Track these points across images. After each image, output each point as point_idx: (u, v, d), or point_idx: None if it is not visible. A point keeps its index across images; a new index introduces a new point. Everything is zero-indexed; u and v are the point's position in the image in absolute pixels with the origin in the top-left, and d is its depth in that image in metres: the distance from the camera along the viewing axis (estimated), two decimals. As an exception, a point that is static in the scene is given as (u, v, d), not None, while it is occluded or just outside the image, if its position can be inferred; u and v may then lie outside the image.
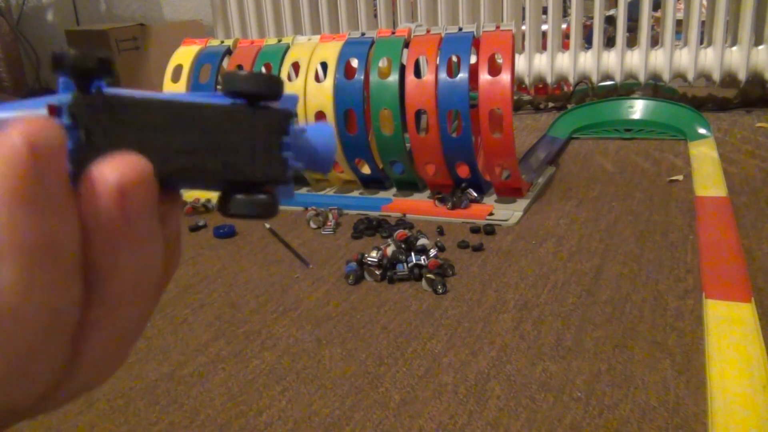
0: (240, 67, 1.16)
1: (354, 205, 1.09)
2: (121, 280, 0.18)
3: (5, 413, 0.18)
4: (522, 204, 1.03)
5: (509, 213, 1.00)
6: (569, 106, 1.71)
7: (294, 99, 0.22)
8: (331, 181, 1.20)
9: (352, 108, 1.06)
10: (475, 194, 1.05)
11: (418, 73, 1.02)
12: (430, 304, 0.74)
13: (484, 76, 0.97)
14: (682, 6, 1.65)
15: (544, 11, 1.75)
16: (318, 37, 1.15)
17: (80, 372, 0.19)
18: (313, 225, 1.03)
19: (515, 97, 1.88)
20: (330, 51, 1.09)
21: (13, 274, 0.16)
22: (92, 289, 0.18)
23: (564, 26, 1.75)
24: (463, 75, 0.99)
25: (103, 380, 0.20)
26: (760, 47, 1.57)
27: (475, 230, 0.96)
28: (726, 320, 0.65)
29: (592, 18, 1.66)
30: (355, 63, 1.09)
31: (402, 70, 1.04)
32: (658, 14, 1.70)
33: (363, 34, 1.12)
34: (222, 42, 1.23)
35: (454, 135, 1.01)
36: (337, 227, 1.01)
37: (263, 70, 1.15)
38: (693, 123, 1.41)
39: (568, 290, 0.75)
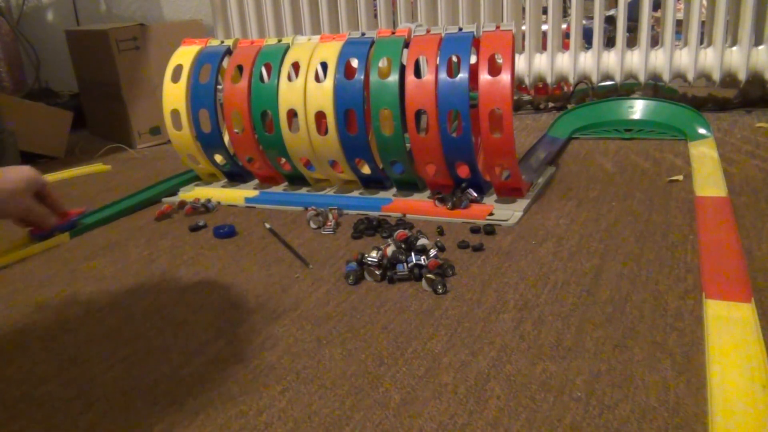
0: (239, 67, 1.16)
1: (354, 205, 1.09)
2: None
3: None
4: (522, 204, 1.03)
5: (509, 213, 1.00)
6: (569, 106, 1.71)
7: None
8: (331, 181, 1.20)
9: (352, 108, 1.06)
10: (475, 194, 1.05)
11: (418, 73, 1.02)
12: (430, 304, 0.74)
13: (484, 76, 0.97)
14: (682, 6, 1.65)
15: (544, 11, 1.75)
16: (318, 37, 1.16)
17: None
18: (313, 225, 1.03)
19: (515, 97, 1.88)
20: (330, 51, 1.09)
21: None
22: None
23: (564, 26, 1.75)
24: (463, 75, 0.99)
25: None
26: (760, 47, 1.57)
27: (475, 230, 0.96)
28: (726, 320, 0.65)
29: (591, 18, 1.66)
30: (355, 63, 1.09)
31: (402, 70, 1.04)
32: (658, 14, 1.70)
33: (363, 34, 1.12)
34: (222, 42, 1.23)
35: (454, 135, 1.01)
36: (337, 227, 1.01)
37: (263, 70, 1.15)
38: (693, 123, 1.41)
39: (568, 290, 0.75)
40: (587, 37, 1.74)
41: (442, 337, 0.67)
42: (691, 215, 0.95)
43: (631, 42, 1.67)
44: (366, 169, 1.16)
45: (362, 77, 1.05)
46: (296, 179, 1.23)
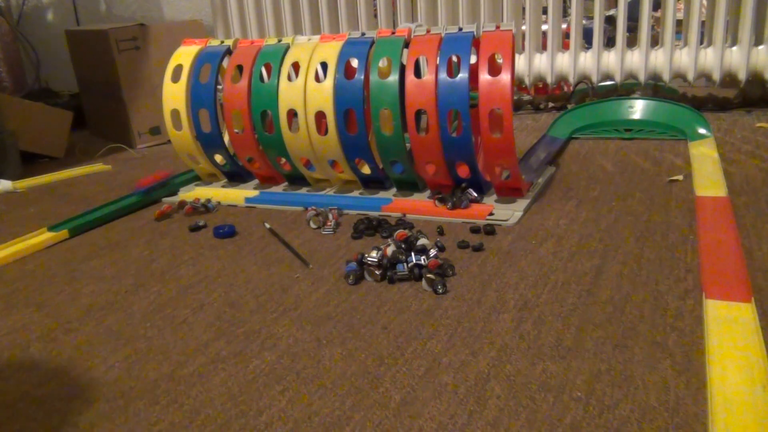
0: (240, 67, 1.16)
1: (354, 205, 1.09)
2: None
3: None
4: (522, 204, 1.03)
5: (509, 213, 1.00)
6: (569, 106, 1.71)
7: None
8: (331, 181, 1.20)
9: (352, 108, 1.06)
10: (475, 194, 1.05)
11: (418, 73, 1.02)
12: (430, 304, 0.74)
13: (484, 76, 0.97)
14: (682, 6, 1.65)
15: (544, 11, 1.75)
16: (318, 37, 1.16)
17: None
18: (313, 225, 1.03)
19: (515, 97, 1.88)
20: (330, 51, 1.09)
21: None
22: None
23: (564, 26, 1.75)
24: (463, 75, 0.99)
25: None
26: (760, 47, 1.57)
27: (475, 230, 0.96)
28: (726, 320, 0.65)
29: (591, 18, 1.66)
30: (355, 63, 1.09)
31: (402, 70, 1.04)
32: (658, 14, 1.70)
33: (363, 34, 1.12)
34: (222, 42, 1.23)
35: (454, 135, 1.01)
36: (337, 227, 1.01)
37: (263, 70, 1.15)
38: (693, 123, 1.41)
39: (568, 290, 0.75)
40: (587, 37, 1.74)
41: (442, 337, 0.67)
42: (691, 215, 0.95)
43: (631, 42, 1.67)
44: (366, 169, 1.16)
45: (362, 77, 1.05)
46: (296, 179, 1.23)
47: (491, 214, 1.00)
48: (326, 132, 1.08)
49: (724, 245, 0.83)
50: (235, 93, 1.15)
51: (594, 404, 0.55)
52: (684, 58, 1.62)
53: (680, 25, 1.65)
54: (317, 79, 1.09)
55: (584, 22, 1.72)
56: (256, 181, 1.28)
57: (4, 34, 2.21)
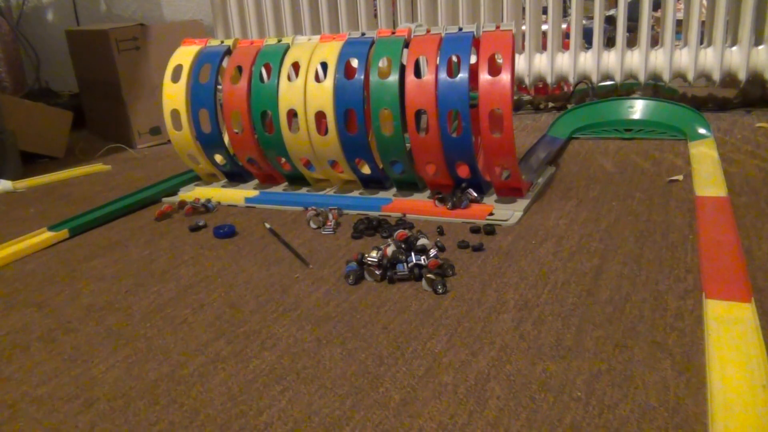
0: (239, 67, 1.16)
1: (354, 205, 1.09)
2: None
3: None
4: (522, 204, 1.03)
5: (509, 213, 1.00)
6: (569, 106, 1.71)
7: None
8: (331, 181, 1.20)
9: (352, 108, 1.06)
10: (475, 194, 1.05)
11: (418, 73, 1.02)
12: (430, 304, 0.74)
13: (484, 76, 0.97)
14: (682, 6, 1.65)
15: (544, 11, 1.75)
16: (318, 37, 1.16)
17: None
18: (313, 225, 1.03)
19: (515, 97, 1.88)
20: (330, 51, 1.09)
21: None
22: None
23: (564, 26, 1.75)
24: (463, 75, 0.99)
25: None
26: (760, 47, 1.57)
27: (475, 230, 0.96)
28: (726, 320, 0.65)
29: (591, 18, 1.66)
30: (355, 63, 1.09)
31: (402, 70, 1.04)
32: (658, 14, 1.70)
33: (363, 34, 1.12)
34: (222, 42, 1.23)
35: (454, 135, 1.01)
36: (337, 227, 1.01)
37: (263, 70, 1.15)
38: (693, 123, 1.41)
39: (568, 290, 0.75)
40: (587, 37, 1.74)
41: (442, 337, 0.67)
42: (691, 215, 0.95)
43: (631, 42, 1.67)
44: (366, 169, 1.16)
45: (362, 77, 1.05)
46: (296, 179, 1.23)
47: (491, 214, 1.00)
48: (326, 132, 1.08)
49: (724, 245, 0.83)
50: (234, 93, 1.15)
51: (594, 404, 0.55)
52: (684, 58, 1.62)
53: (680, 25, 1.65)
54: (317, 79, 1.09)
55: (584, 22, 1.72)
56: (256, 181, 1.28)
57: (4, 34, 2.21)
